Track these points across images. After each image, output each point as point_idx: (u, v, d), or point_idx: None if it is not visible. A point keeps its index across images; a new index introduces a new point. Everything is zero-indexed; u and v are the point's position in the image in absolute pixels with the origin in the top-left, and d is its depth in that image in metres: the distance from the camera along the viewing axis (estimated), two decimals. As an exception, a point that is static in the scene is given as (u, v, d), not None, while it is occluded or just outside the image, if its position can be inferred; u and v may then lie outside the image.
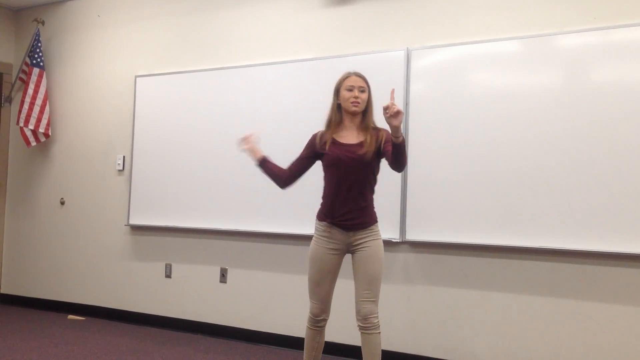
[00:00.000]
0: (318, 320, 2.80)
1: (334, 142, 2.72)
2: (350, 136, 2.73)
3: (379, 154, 2.71)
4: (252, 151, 2.89)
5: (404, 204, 3.59)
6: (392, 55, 3.69)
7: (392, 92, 2.52)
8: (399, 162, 2.55)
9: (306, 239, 3.49)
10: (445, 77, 3.53)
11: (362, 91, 2.71)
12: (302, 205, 3.82)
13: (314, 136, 2.83)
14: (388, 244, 3.65)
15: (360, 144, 2.68)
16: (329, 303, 2.80)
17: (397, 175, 3.55)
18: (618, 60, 3.09)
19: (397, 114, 2.39)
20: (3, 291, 5.41)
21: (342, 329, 3.76)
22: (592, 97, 3.14)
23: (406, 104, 3.61)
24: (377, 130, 2.74)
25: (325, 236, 2.74)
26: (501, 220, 3.32)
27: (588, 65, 3.16)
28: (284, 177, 2.85)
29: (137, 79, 4.72)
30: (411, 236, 3.57)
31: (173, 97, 4.54)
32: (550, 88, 3.25)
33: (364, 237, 2.70)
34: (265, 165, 2.85)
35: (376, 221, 2.75)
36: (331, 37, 3.99)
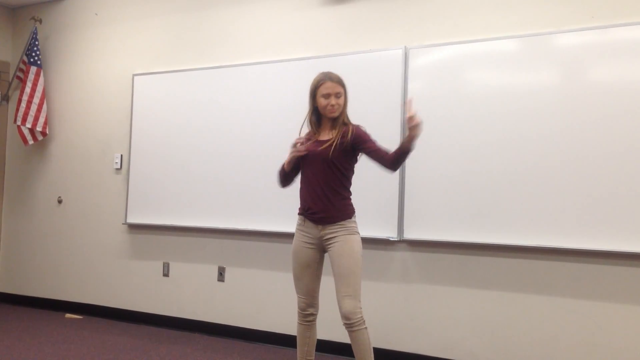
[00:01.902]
0: (306, 315, 2.83)
1: (310, 139, 2.80)
2: (324, 134, 2.79)
3: (349, 150, 2.73)
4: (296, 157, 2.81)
5: (401, 203, 3.59)
6: (390, 54, 3.69)
7: (410, 102, 2.55)
8: (397, 165, 2.66)
9: (304, 237, 3.48)
10: (443, 76, 3.53)
11: (339, 96, 2.73)
12: (299, 204, 3.81)
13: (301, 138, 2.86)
14: (386, 242, 3.65)
15: (328, 141, 2.73)
16: (314, 298, 2.82)
17: (395, 175, 3.54)
18: (616, 59, 3.09)
19: (418, 125, 2.50)
20: (0, 290, 5.40)
21: (335, 326, 3.74)
22: (590, 96, 3.14)
23: (404, 103, 3.61)
24: (347, 125, 2.76)
25: (300, 229, 2.82)
26: (499, 218, 3.32)
27: (586, 64, 3.16)
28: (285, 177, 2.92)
29: (135, 77, 4.71)
30: (409, 235, 3.57)
31: (171, 96, 4.53)
32: (548, 87, 3.25)
33: (334, 232, 2.71)
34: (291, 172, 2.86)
35: (349, 217, 2.74)
36: (329, 36, 3.99)
